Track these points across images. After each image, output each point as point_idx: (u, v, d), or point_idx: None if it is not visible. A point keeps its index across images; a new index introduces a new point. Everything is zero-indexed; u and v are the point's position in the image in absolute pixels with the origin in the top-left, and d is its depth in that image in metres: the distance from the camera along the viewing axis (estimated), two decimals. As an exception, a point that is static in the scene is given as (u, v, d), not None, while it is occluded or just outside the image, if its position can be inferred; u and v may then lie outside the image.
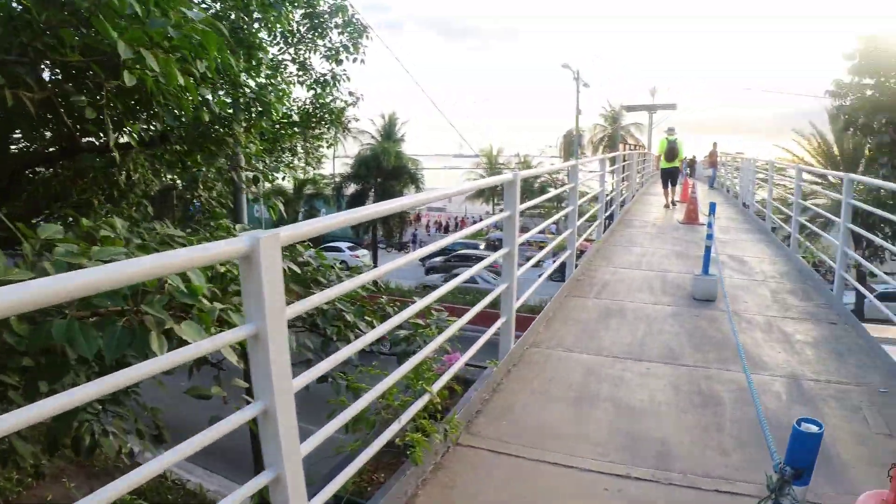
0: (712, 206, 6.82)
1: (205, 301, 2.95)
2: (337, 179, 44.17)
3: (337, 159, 51.95)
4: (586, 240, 8.67)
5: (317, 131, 14.48)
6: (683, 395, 3.92)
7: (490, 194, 51.32)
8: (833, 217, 8.59)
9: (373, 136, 51.07)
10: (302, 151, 15.43)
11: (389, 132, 52.56)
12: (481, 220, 52.81)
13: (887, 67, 9.94)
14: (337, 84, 12.93)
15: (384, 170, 38.91)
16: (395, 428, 2.74)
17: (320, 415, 2.79)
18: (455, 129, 57.24)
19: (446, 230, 59.33)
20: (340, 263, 6.45)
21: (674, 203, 14.83)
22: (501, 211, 4.26)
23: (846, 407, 3.80)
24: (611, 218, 11.14)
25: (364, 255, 41.82)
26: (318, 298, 2.12)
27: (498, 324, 4.23)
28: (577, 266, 7.18)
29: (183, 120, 6.87)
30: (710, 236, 6.55)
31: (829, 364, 4.59)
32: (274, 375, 1.77)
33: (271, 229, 1.77)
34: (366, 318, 5.64)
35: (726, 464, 3.12)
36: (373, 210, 2.51)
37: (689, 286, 6.71)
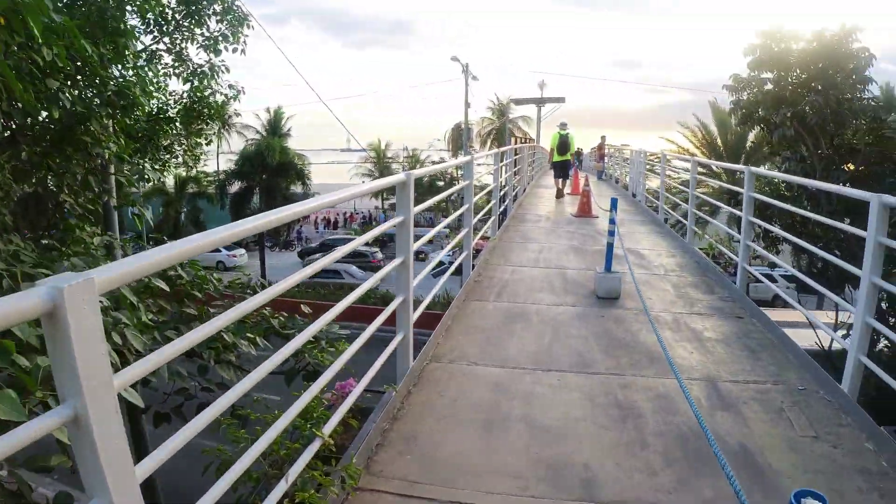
0: (613, 202, 6.69)
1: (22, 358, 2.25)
2: (221, 177, 42.11)
3: (222, 155, 49.92)
4: (481, 238, 8.43)
5: (197, 127, 13.59)
6: (600, 409, 3.65)
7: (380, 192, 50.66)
8: (731, 209, 8.86)
9: (258, 132, 50.05)
10: (180, 149, 14.40)
11: (275, 127, 51.11)
12: (370, 214, 52.32)
13: (786, 63, 10.26)
14: (216, 76, 12.11)
15: (269, 166, 37.39)
16: (282, 487, 2.28)
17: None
18: (342, 124, 55.96)
19: (335, 226, 58.32)
20: (217, 264, 5.79)
21: (563, 194, 15.41)
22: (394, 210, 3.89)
23: (769, 409, 3.68)
24: (504, 214, 11.00)
25: (242, 254, 40.19)
26: (158, 358, 1.62)
27: (395, 342, 3.77)
28: (473, 266, 6.89)
29: (36, 118, 6.03)
30: (612, 232, 6.45)
31: (744, 363, 4.50)
32: (106, 469, 1.33)
33: (83, 272, 1.32)
34: (248, 335, 5.08)
35: (656, 486, 2.87)
36: (227, 232, 1.90)
37: (590, 284, 6.58)
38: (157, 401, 5.09)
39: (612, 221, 6.54)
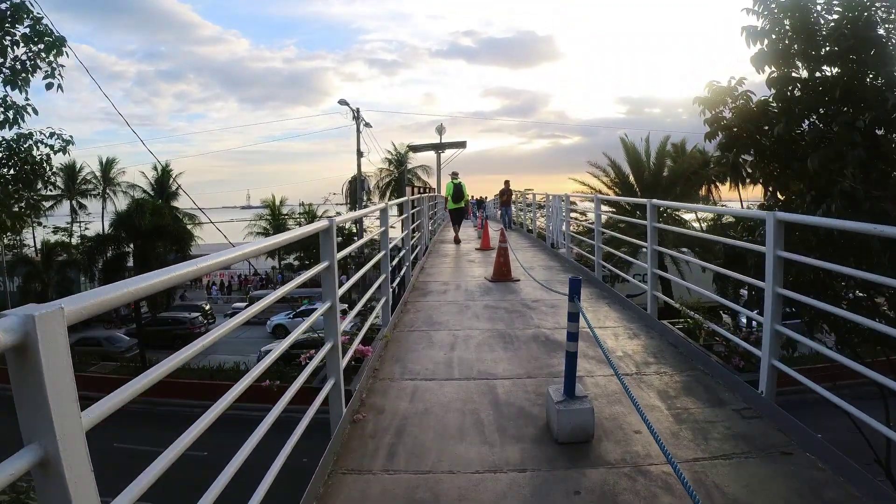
0: (574, 284, 3.99)
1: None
2: (89, 244, 37.32)
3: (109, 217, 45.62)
4: (368, 335, 5.62)
5: (11, 187, 10.48)
6: None
7: (275, 249, 47.19)
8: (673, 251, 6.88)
9: (144, 191, 48.46)
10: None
11: (163, 186, 48.78)
12: (267, 276, 48.98)
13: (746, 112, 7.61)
14: (19, 120, 9.15)
15: (142, 229, 33.14)
16: None
17: None
18: (243, 181, 52.87)
19: (229, 290, 53.98)
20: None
21: (459, 240, 16.50)
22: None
23: None
24: (402, 286, 8.39)
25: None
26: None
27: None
28: (350, 398, 4.22)
29: None
30: (574, 336, 3.88)
31: None
32: None
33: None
34: None
35: None
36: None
37: (538, 411, 4.08)
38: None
39: (573, 318, 3.93)
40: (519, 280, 9.33)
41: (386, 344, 5.71)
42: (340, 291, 3.75)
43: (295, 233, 3.35)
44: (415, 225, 11.19)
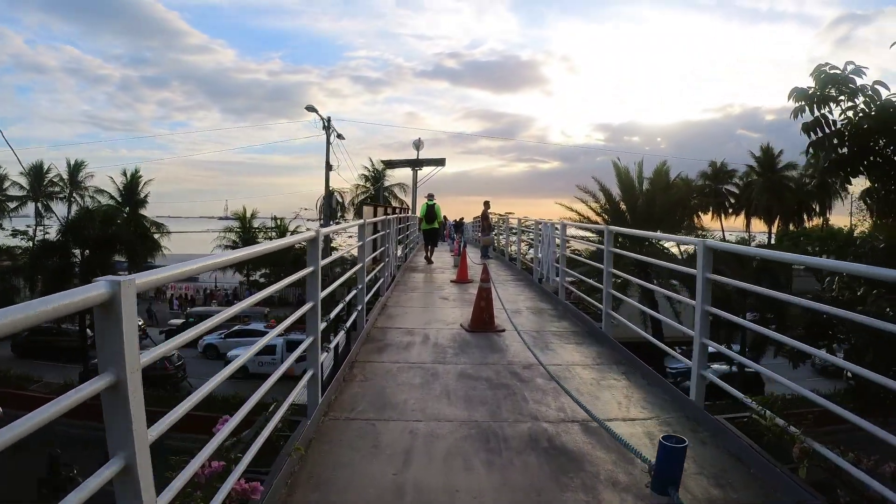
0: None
1: None
2: (35, 251, 34.45)
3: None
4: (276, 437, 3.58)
5: None
6: None
7: (241, 264, 45.06)
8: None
9: (112, 196, 46.57)
10: None
11: (132, 192, 46.81)
12: (234, 291, 46.61)
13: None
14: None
15: (95, 238, 30.39)
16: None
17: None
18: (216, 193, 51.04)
19: (192, 304, 51.24)
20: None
21: (431, 261, 16.64)
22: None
23: None
24: (347, 341, 6.38)
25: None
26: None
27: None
28: None
29: None
30: None
31: None
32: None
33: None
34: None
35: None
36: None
37: None
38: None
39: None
40: (504, 331, 7.38)
41: (302, 458, 3.66)
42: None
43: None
44: (378, 252, 9.19)
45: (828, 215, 48.56)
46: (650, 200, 22.29)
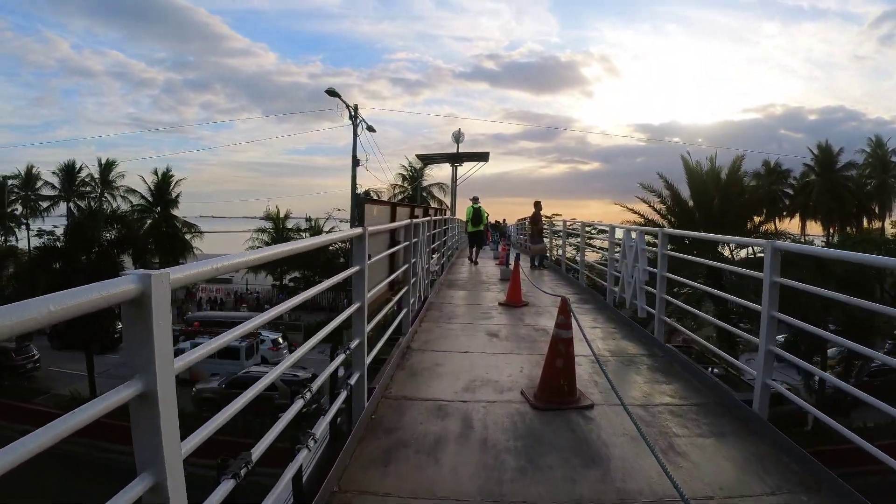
0: None
1: None
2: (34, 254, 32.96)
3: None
4: None
5: None
6: None
7: (274, 266, 44.59)
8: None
9: (143, 197, 45.70)
10: None
11: (162, 192, 45.59)
12: (259, 295, 44.88)
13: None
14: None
15: (96, 242, 28.04)
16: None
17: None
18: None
19: (221, 307, 49.66)
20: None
21: (476, 262, 16.88)
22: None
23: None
24: (348, 409, 3.95)
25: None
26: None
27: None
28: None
29: None
30: None
31: None
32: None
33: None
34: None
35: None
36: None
37: None
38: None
39: None
40: (592, 406, 4.66)
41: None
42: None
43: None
44: (400, 272, 6.53)
45: (890, 217, 44.91)
46: (725, 199, 19.13)
